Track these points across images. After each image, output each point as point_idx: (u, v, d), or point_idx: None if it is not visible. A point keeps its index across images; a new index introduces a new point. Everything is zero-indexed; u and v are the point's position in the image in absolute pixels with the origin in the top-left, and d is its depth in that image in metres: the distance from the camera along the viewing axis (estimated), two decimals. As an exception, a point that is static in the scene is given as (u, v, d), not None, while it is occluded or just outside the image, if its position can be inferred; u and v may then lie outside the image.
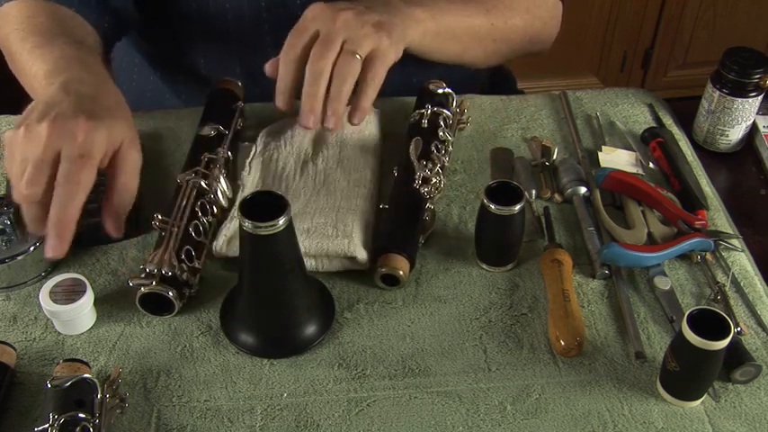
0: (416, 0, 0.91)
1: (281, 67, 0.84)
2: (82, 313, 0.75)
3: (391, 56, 0.84)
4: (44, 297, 0.74)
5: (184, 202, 0.81)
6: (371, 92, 0.83)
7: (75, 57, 0.81)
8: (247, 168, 0.89)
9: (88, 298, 0.75)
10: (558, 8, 1.06)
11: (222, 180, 0.84)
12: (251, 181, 0.88)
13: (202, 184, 0.83)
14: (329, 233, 0.80)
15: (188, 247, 0.78)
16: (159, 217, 0.79)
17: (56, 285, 0.75)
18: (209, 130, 0.90)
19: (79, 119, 0.71)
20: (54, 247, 0.69)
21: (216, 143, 0.89)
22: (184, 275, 0.76)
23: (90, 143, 0.71)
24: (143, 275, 0.75)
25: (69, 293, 0.73)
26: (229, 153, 0.88)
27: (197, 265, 0.78)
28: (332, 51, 0.80)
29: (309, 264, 0.79)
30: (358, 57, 0.81)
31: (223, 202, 0.84)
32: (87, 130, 0.71)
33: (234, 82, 0.98)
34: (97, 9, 0.93)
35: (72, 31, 0.87)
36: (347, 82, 0.81)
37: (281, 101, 0.85)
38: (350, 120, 0.84)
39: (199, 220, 0.80)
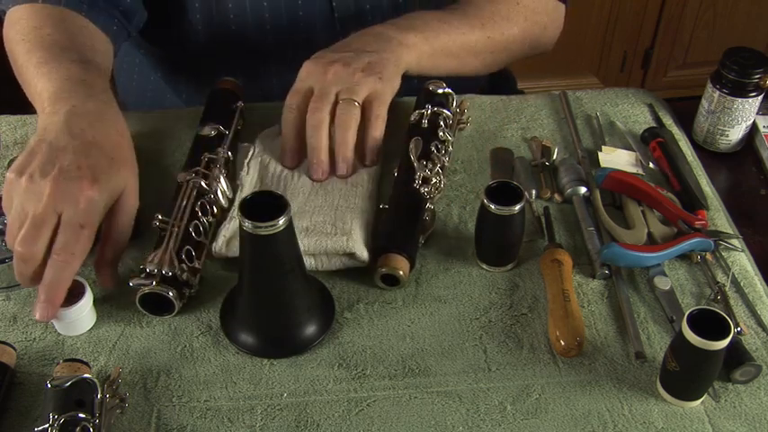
0: (408, 25, 0.92)
1: (283, 129, 0.87)
2: (81, 315, 0.75)
3: (388, 94, 0.87)
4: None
5: (185, 202, 0.81)
6: (377, 131, 0.87)
7: (81, 80, 0.80)
8: (246, 169, 0.89)
9: (87, 300, 0.75)
10: (558, 11, 1.06)
11: (222, 180, 0.84)
12: (249, 181, 0.88)
13: (203, 183, 0.83)
14: (328, 231, 0.80)
15: (188, 247, 0.78)
16: (160, 217, 0.79)
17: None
18: (209, 130, 0.90)
19: (83, 182, 0.71)
20: (43, 311, 0.70)
21: (216, 143, 0.89)
22: (184, 275, 0.76)
23: (91, 211, 0.71)
24: (143, 275, 0.75)
25: (69, 296, 0.73)
26: (229, 153, 0.88)
27: (197, 265, 0.78)
28: (327, 103, 0.84)
29: (309, 263, 0.79)
30: (356, 103, 0.84)
31: (223, 202, 0.84)
32: (90, 196, 0.71)
33: (234, 82, 0.98)
34: (106, 10, 0.93)
35: (80, 47, 0.86)
36: (350, 128, 0.84)
37: (287, 160, 0.88)
38: (363, 162, 0.88)
39: (199, 220, 0.80)
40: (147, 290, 0.75)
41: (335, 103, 0.85)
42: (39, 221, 0.70)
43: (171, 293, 0.75)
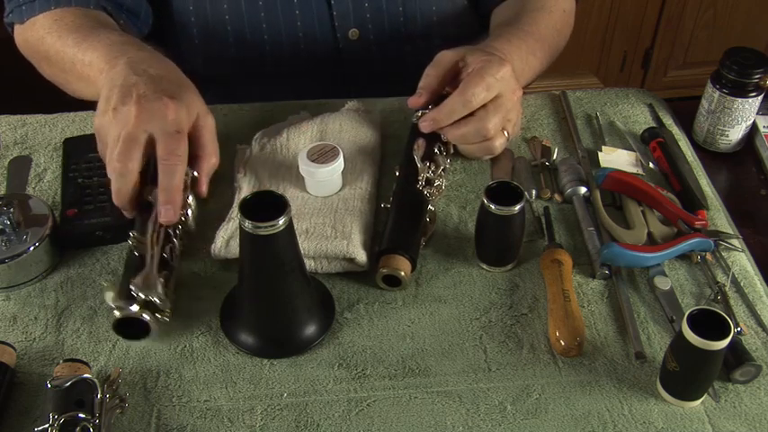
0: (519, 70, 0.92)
1: (452, 111, 0.86)
2: (334, 175, 0.84)
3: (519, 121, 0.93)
4: (302, 158, 0.83)
5: (159, 224, 0.77)
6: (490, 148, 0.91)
7: (126, 41, 0.86)
8: (242, 170, 0.89)
9: (341, 162, 0.84)
10: (573, 9, 1.08)
11: (191, 199, 0.81)
12: (247, 183, 0.87)
13: None
14: (328, 234, 0.80)
15: (165, 271, 0.76)
16: (134, 234, 0.77)
17: (311, 149, 0.84)
18: None
19: (164, 99, 0.77)
20: (167, 212, 0.76)
21: None
22: (162, 301, 0.73)
23: (180, 120, 0.78)
24: (125, 299, 0.72)
25: (325, 156, 0.82)
26: (194, 173, 0.84)
27: (170, 291, 0.76)
28: (497, 122, 0.87)
29: (309, 265, 0.79)
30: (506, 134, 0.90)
31: (191, 223, 0.82)
32: (174, 108, 0.77)
33: None
34: (114, 9, 0.96)
35: (108, 25, 0.92)
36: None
37: (430, 127, 0.88)
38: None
39: (172, 242, 0.78)
40: (121, 315, 0.72)
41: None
42: (131, 139, 0.76)
43: (148, 318, 0.72)
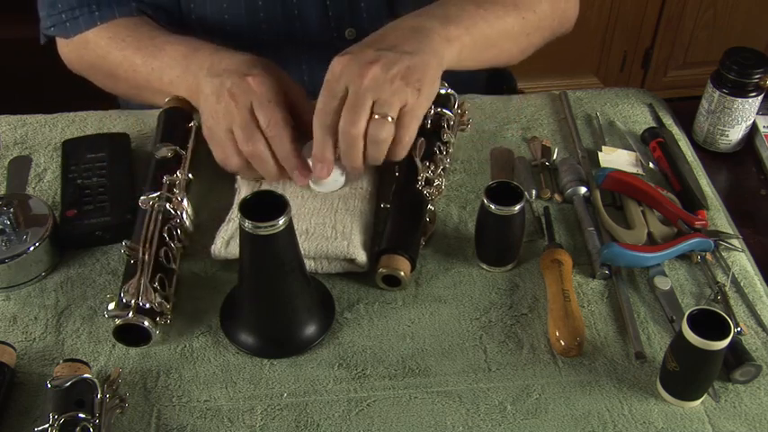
0: (445, 14, 0.88)
1: (316, 133, 0.81)
2: (338, 171, 0.84)
3: (423, 108, 0.82)
4: (307, 151, 0.83)
5: (152, 227, 0.78)
6: (404, 150, 0.82)
7: (188, 48, 0.91)
8: None
9: (338, 184, 0.84)
10: None
11: (186, 203, 0.82)
12: (246, 183, 0.87)
13: (168, 207, 0.80)
14: (328, 234, 0.80)
15: (160, 275, 0.76)
16: (127, 243, 0.77)
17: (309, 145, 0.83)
18: (166, 152, 0.87)
19: (246, 79, 0.82)
20: (296, 179, 0.83)
21: (174, 165, 0.86)
22: (159, 305, 0.74)
23: (266, 90, 0.82)
24: (119, 305, 0.73)
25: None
26: (190, 175, 0.86)
27: (170, 294, 0.77)
28: (363, 116, 0.78)
29: (309, 265, 0.79)
30: (390, 118, 0.79)
31: (188, 225, 0.82)
32: (258, 81, 0.82)
33: (185, 100, 0.92)
34: (154, 12, 0.98)
35: (156, 28, 0.97)
36: (382, 149, 0.80)
37: (323, 171, 0.82)
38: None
39: (168, 246, 0.78)
40: (120, 321, 0.72)
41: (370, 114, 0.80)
42: (245, 123, 0.81)
43: (147, 323, 0.73)
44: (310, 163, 0.82)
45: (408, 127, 0.81)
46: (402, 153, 0.82)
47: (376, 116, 0.78)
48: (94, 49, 0.97)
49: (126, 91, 1.00)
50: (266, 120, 0.80)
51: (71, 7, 0.96)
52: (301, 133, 0.84)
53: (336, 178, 0.85)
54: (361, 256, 0.79)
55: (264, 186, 0.86)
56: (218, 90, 0.82)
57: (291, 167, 0.82)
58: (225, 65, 0.85)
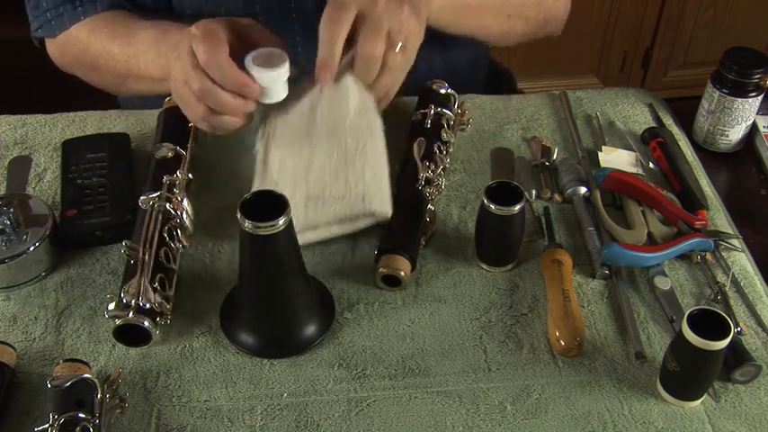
0: None
1: (324, 38, 0.79)
2: (280, 81, 0.79)
3: (421, 36, 0.82)
4: (248, 62, 0.78)
5: (152, 227, 0.78)
6: (402, 77, 0.82)
7: (161, 31, 0.89)
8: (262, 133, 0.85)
9: (287, 68, 0.78)
10: None
11: (186, 203, 0.82)
12: (264, 145, 0.84)
13: (168, 207, 0.80)
14: (342, 194, 0.80)
15: (161, 275, 0.76)
16: (127, 243, 0.77)
17: (256, 55, 0.79)
18: (166, 152, 0.87)
19: (187, 29, 0.80)
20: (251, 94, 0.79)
21: (174, 165, 0.86)
22: (159, 305, 0.74)
23: (209, 28, 0.79)
24: (120, 306, 0.73)
25: (269, 62, 0.78)
26: (190, 175, 0.86)
27: (170, 294, 0.77)
28: (382, 40, 0.79)
29: (334, 231, 0.80)
30: (401, 45, 0.80)
31: (188, 225, 0.82)
32: (198, 25, 0.80)
33: None
34: (136, 8, 0.97)
35: (135, 18, 0.95)
36: (398, 79, 0.81)
37: (326, 76, 0.80)
38: (380, 105, 0.83)
39: (168, 246, 0.78)
40: (120, 321, 0.73)
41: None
42: (187, 69, 0.78)
43: (147, 323, 0.73)
44: (252, 68, 0.78)
45: (410, 55, 0.81)
46: (398, 82, 0.82)
47: (392, 47, 0.79)
48: (75, 43, 0.97)
49: (111, 81, 0.98)
50: (201, 52, 0.77)
51: (55, 5, 0.96)
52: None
53: (282, 87, 0.81)
54: (382, 207, 0.79)
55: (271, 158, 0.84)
56: (176, 56, 0.81)
57: (239, 86, 0.78)
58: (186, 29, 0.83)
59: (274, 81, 0.79)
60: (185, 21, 0.99)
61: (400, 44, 0.79)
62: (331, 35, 0.78)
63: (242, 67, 0.78)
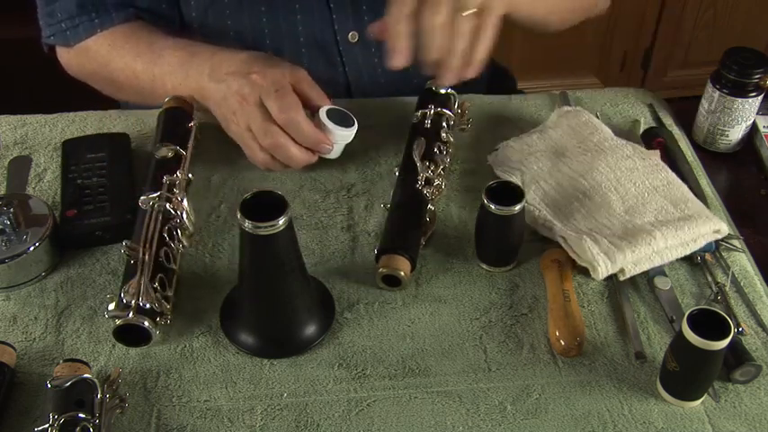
0: None
1: (395, 21, 0.76)
2: (349, 140, 0.87)
3: (501, 6, 0.79)
4: (323, 118, 0.85)
5: (152, 227, 0.78)
6: (486, 42, 0.78)
7: (186, 54, 0.91)
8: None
9: (355, 129, 0.87)
10: None
11: (186, 203, 0.82)
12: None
13: (168, 207, 0.80)
14: (673, 215, 0.83)
15: (161, 275, 0.76)
16: (127, 243, 0.77)
17: (328, 112, 0.86)
18: (166, 152, 0.86)
19: (251, 77, 0.84)
20: (323, 149, 0.86)
21: (174, 165, 0.85)
22: (159, 306, 0.74)
23: (273, 81, 0.84)
24: (120, 306, 0.73)
25: (343, 120, 0.86)
26: (190, 175, 0.85)
27: (170, 294, 0.77)
28: (444, 7, 0.75)
29: (665, 257, 0.80)
30: (472, 11, 0.76)
31: (189, 226, 0.81)
32: (261, 77, 0.84)
33: (184, 99, 0.92)
34: (151, 18, 0.98)
35: (155, 32, 0.96)
36: (477, 45, 0.77)
37: (401, 60, 0.77)
38: (466, 75, 0.80)
39: (168, 246, 0.78)
40: (120, 321, 0.72)
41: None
42: (258, 120, 0.83)
43: (147, 323, 0.73)
44: (329, 126, 0.85)
45: (488, 25, 0.78)
46: (481, 48, 0.78)
47: (459, 11, 0.76)
48: (95, 57, 0.97)
49: (130, 96, 1.00)
50: (276, 108, 0.82)
51: (70, 16, 0.96)
52: (313, 110, 0.87)
53: (340, 147, 0.89)
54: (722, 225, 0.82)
55: None
56: (225, 95, 0.85)
57: (314, 144, 0.84)
58: (225, 68, 0.86)
59: (345, 139, 0.87)
60: (199, 33, 0.99)
61: (473, 10, 0.75)
62: (397, 19, 0.76)
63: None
